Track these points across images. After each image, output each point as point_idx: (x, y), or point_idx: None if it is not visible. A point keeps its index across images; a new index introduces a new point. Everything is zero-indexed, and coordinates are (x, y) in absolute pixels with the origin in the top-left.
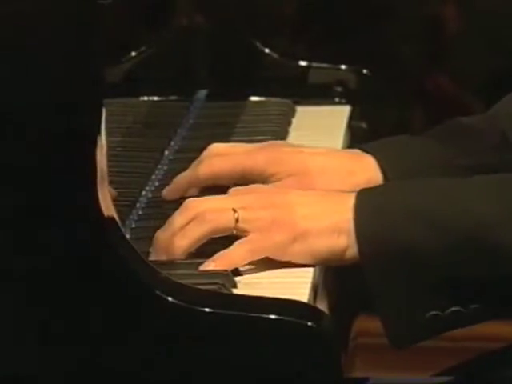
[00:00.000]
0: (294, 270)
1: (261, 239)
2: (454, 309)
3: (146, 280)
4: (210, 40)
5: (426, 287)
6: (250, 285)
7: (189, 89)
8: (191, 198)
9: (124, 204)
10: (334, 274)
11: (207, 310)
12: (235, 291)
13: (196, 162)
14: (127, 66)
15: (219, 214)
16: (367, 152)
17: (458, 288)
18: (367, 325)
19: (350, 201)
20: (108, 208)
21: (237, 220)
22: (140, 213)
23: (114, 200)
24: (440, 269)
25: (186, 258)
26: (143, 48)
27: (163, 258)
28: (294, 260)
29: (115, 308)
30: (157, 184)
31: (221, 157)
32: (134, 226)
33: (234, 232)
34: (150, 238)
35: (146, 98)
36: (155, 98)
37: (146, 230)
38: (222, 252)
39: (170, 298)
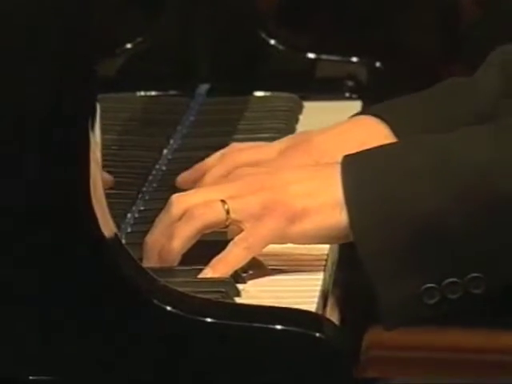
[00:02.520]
0: (301, 276)
1: (255, 231)
2: (450, 280)
3: (142, 288)
4: (211, 31)
5: (422, 254)
6: (254, 293)
7: (189, 83)
8: (176, 194)
9: (120, 207)
10: (344, 281)
11: (208, 320)
12: (238, 300)
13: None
14: (122, 59)
15: (207, 207)
16: (374, 115)
17: (458, 251)
18: (380, 337)
19: (338, 172)
20: (102, 211)
21: (227, 211)
22: (136, 216)
23: (111, 187)
24: (436, 231)
25: (183, 263)
26: (139, 39)
27: (155, 263)
28: (296, 243)
29: (110, 318)
30: (155, 185)
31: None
32: (129, 230)
33: (227, 224)
34: None
35: (142, 94)
36: (153, 93)
37: (143, 235)
38: (218, 257)
39: (168, 308)
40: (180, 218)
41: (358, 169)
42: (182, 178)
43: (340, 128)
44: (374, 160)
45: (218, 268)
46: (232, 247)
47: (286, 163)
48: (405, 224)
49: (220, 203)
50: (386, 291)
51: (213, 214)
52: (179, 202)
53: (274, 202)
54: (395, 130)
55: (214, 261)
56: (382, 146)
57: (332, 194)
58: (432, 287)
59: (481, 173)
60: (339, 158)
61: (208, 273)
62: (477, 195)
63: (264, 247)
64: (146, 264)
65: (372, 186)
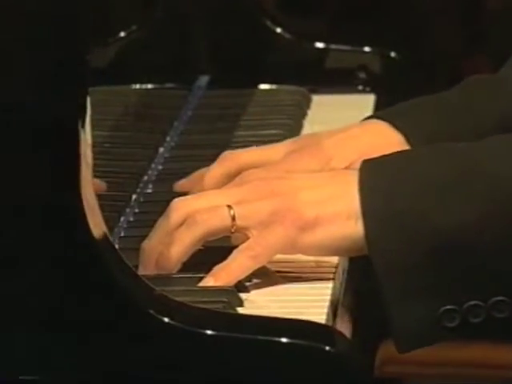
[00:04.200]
0: (309, 285)
1: (262, 239)
2: (472, 303)
3: (137, 298)
4: (211, 18)
5: (443, 273)
6: (258, 303)
7: (187, 75)
8: (177, 198)
9: (112, 209)
10: (356, 289)
11: (209, 332)
12: (241, 310)
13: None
14: (115, 49)
15: (212, 213)
16: (386, 120)
17: (483, 272)
18: (393, 351)
19: (355, 180)
20: (94, 213)
21: (233, 218)
22: (131, 219)
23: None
24: (459, 248)
25: (182, 271)
26: (134, 27)
27: (152, 271)
28: (306, 254)
29: (101, 330)
30: (150, 186)
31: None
32: (123, 234)
33: (233, 231)
34: None
35: (137, 86)
36: (148, 86)
37: (138, 240)
38: (220, 264)
39: (166, 319)
40: (181, 224)
41: (377, 176)
42: (181, 185)
43: (350, 132)
44: (394, 168)
45: (220, 277)
46: (237, 255)
47: (291, 167)
48: (425, 238)
49: (225, 208)
50: (400, 311)
51: (217, 220)
52: (180, 206)
53: (284, 208)
54: (409, 138)
55: (217, 269)
56: (402, 153)
57: (347, 202)
58: (452, 309)
59: (500, 186)
60: (348, 164)
61: (209, 281)
62: (506, 211)
63: (271, 257)
64: (142, 272)
65: (391, 196)
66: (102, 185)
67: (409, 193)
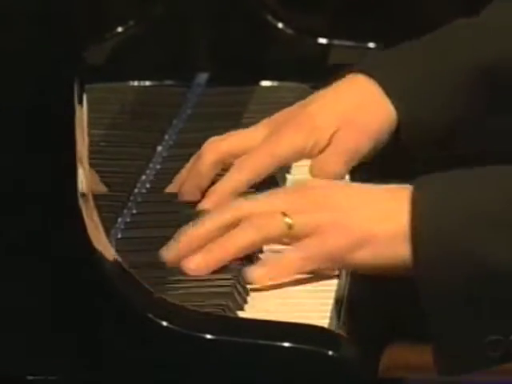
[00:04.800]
0: (311, 287)
1: (317, 245)
2: None
3: (136, 301)
4: (211, 13)
5: (490, 304)
6: (259, 306)
7: (186, 72)
8: (235, 200)
9: (109, 210)
10: (362, 292)
11: (208, 336)
12: (241, 314)
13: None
14: (112, 44)
15: (269, 219)
16: (365, 73)
17: None
18: (404, 355)
19: (408, 198)
20: (91, 215)
21: (289, 226)
22: (128, 220)
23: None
24: (508, 281)
25: (179, 273)
26: (131, 22)
27: (177, 258)
28: (354, 268)
29: (100, 334)
30: (148, 186)
31: (257, 153)
32: (120, 236)
33: (285, 240)
34: (139, 251)
35: (134, 83)
36: (146, 83)
37: (135, 241)
38: (271, 258)
39: (164, 323)
40: (234, 224)
41: (430, 200)
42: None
43: (329, 95)
44: (448, 193)
45: (271, 269)
46: (289, 253)
47: (276, 147)
48: (473, 269)
49: (282, 216)
50: (444, 338)
51: (274, 227)
52: (237, 207)
53: (339, 223)
54: (387, 91)
55: (267, 261)
56: (455, 174)
57: (399, 222)
58: (497, 340)
59: None
60: (334, 130)
61: (257, 270)
62: None
63: (321, 266)
64: (167, 254)
65: (443, 221)
66: (100, 185)
67: (461, 223)
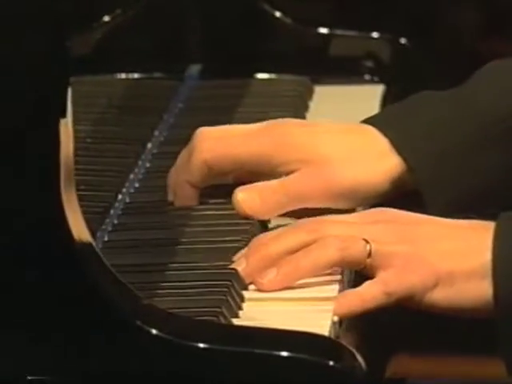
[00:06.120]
0: (312, 295)
1: (396, 280)
2: None
3: (123, 307)
4: (205, 1)
5: None
6: (256, 313)
7: (178, 63)
8: (308, 220)
9: (95, 211)
10: None
11: (201, 345)
12: (237, 322)
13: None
14: (99, 35)
15: (350, 242)
16: (371, 124)
17: None
18: (409, 365)
19: (490, 235)
20: (75, 216)
21: (369, 253)
22: (115, 222)
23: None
24: None
25: (171, 277)
26: (119, 11)
27: (260, 276)
28: (431, 308)
29: (86, 343)
30: (137, 185)
31: (215, 141)
32: (107, 238)
33: (362, 267)
34: (127, 254)
35: (123, 76)
36: (135, 76)
37: (123, 244)
38: (351, 290)
39: (154, 331)
40: (307, 243)
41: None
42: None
43: (342, 126)
44: None
45: (350, 299)
46: (372, 286)
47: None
48: None
49: (364, 242)
50: None
51: (355, 251)
52: (314, 227)
53: (420, 256)
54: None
55: (347, 293)
56: None
57: (481, 259)
58: None
59: None
60: (309, 162)
61: (338, 305)
62: None
63: (400, 303)
64: (245, 269)
65: None
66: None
67: None
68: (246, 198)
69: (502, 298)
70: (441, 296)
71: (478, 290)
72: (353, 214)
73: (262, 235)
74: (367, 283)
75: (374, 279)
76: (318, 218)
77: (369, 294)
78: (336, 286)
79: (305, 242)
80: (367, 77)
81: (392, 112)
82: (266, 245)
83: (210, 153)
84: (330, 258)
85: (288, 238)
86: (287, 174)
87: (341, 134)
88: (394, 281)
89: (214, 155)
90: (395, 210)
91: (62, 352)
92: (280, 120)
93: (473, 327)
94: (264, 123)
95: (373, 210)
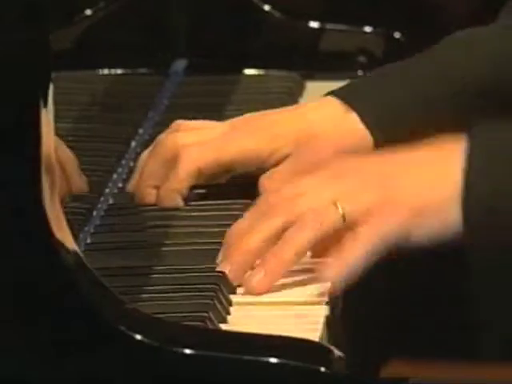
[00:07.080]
0: (300, 297)
1: (375, 233)
2: None
3: (106, 312)
4: None
5: None
6: (244, 318)
7: (163, 59)
8: (271, 193)
9: (77, 212)
10: (356, 305)
11: (187, 351)
12: (224, 327)
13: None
14: (81, 29)
15: (323, 215)
16: (339, 97)
17: None
18: (403, 371)
19: (459, 160)
20: (57, 217)
21: (343, 216)
22: (98, 223)
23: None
24: None
25: (157, 282)
26: (101, 4)
27: (244, 274)
28: (420, 241)
29: (68, 348)
30: (120, 185)
31: (200, 147)
32: (89, 240)
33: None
34: (110, 256)
35: (105, 71)
36: (118, 71)
37: (106, 246)
38: (335, 256)
39: (138, 336)
40: (285, 228)
41: (485, 154)
42: (132, 186)
43: (302, 106)
44: (505, 149)
45: (336, 266)
46: (353, 246)
47: (227, 143)
48: None
49: (335, 208)
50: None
51: (330, 221)
52: (285, 211)
53: (392, 197)
54: (363, 118)
55: (331, 260)
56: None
57: (451, 186)
58: None
59: None
60: (297, 139)
61: (326, 271)
62: None
63: (384, 247)
64: (231, 275)
65: (496, 179)
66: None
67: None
68: None
69: (470, 224)
70: (421, 231)
71: (452, 216)
72: (308, 176)
73: (234, 226)
74: (348, 244)
75: (353, 237)
76: (281, 192)
77: (351, 256)
78: (325, 290)
79: (280, 227)
80: (360, 73)
81: (358, 87)
82: (244, 239)
83: (200, 161)
84: (310, 239)
85: (263, 226)
86: (279, 162)
87: (310, 109)
88: (372, 234)
89: (207, 162)
90: (354, 157)
91: (43, 358)
92: (250, 114)
93: (472, 332)
94: (234, 120)
95: (335, 161)
